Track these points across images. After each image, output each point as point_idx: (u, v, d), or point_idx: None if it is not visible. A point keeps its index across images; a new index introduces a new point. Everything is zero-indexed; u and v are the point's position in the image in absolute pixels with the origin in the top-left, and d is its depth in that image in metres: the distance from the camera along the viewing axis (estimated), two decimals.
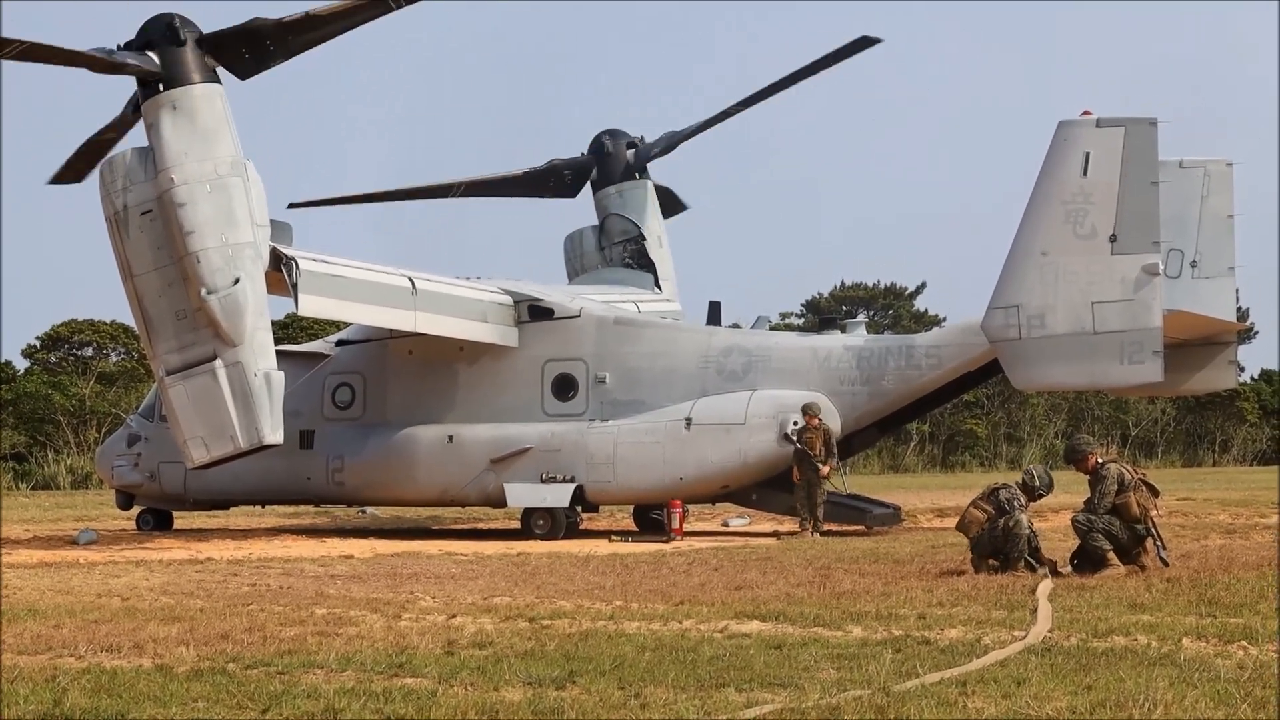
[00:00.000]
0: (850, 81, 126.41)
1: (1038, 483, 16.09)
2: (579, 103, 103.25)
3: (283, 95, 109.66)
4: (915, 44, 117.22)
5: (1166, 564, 15.47)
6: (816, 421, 24.28)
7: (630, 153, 31.28)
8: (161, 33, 22.62)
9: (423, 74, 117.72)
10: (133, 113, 23.44)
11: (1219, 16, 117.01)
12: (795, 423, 24.67)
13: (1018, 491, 15.95)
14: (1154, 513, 15.56)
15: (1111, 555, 15.36)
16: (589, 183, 31.59)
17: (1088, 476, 15.89)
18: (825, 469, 24.16)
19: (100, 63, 22.20)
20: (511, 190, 32.02)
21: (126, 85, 23.35)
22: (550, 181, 31.55)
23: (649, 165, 31.61)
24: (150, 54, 22.57)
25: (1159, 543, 15.50)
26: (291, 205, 31.75)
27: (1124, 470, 15.60)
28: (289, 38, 22.67)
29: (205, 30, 22.86)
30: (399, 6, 22.08)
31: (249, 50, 22.78)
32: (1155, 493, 15.74)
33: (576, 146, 31.93)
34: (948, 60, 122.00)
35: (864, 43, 28.38)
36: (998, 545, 15.69)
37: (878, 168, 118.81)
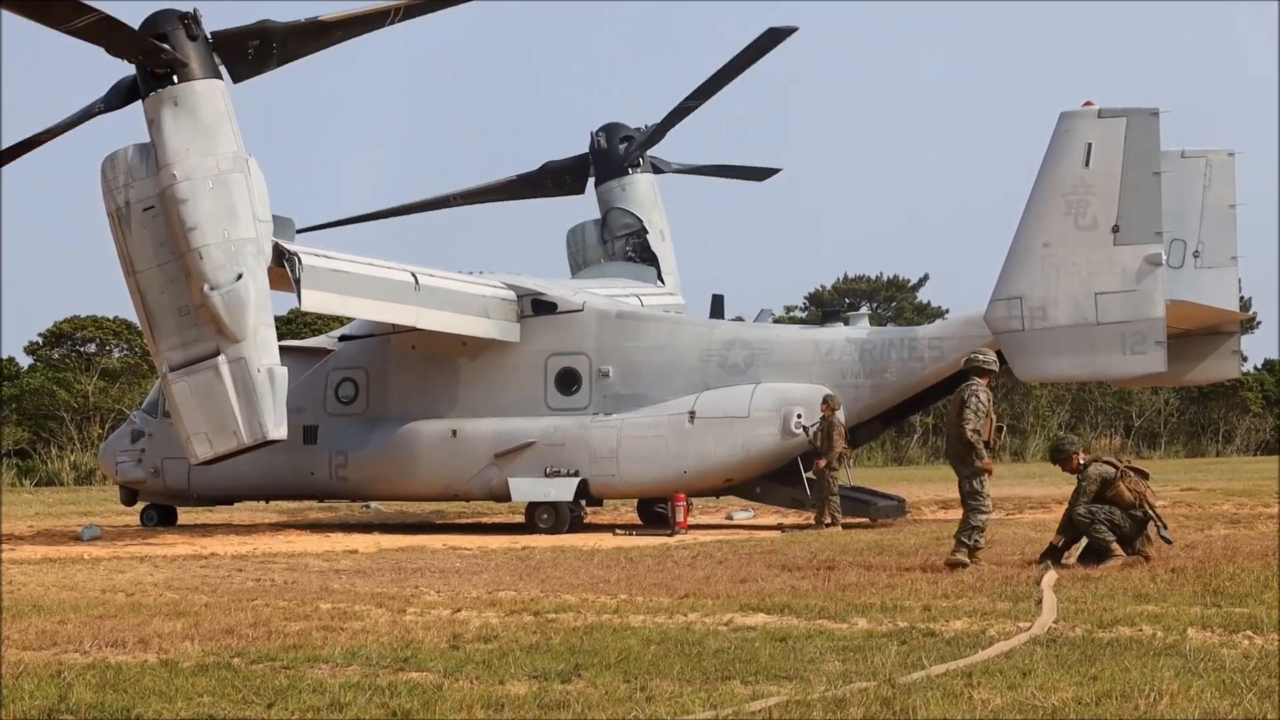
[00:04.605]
0: (854, 74, 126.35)
1: (982, 359, 16.28)
2: (584, 100, 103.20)
3: (281, 96, 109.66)
4: (920, 39, 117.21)
5: (1169, 542, 15.48)
6: (828, 412, 24.18)
7: (623, 146, 31.23)
8: (174, 26, 22.37)
9: (420, 73, 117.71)
10: (117, 102, 23.11)
11: (1219, 15, 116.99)
12: (800, 415, 24.60)
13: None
14: (1148, 494, 15.58)
15: (1115, 545, 15.38)
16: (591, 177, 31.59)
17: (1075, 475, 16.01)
18: (821, 462, 24.03)
19: (120, 33, 21.77)
20: (510, 194, 31.99)
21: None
22: (548, 184, 31.54)
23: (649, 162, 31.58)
24: (165, 45, 22.31)
25: (1159, 523, 15.49)
26: (299, 230, 31.74)
27: (1104, 471, 15.62)
28: (294, 42, 22.65)
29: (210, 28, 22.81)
30: (398, 20, 22.27)
31: (255, 51, 22.68)
32: (1144, 476, 15.80)
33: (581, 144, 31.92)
34: (952, 54, 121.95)
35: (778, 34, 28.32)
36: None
37: (881, 161, 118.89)
